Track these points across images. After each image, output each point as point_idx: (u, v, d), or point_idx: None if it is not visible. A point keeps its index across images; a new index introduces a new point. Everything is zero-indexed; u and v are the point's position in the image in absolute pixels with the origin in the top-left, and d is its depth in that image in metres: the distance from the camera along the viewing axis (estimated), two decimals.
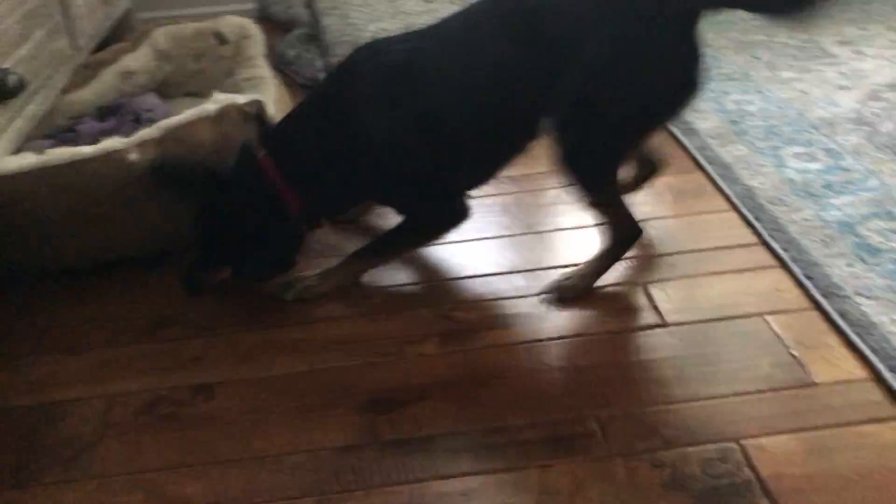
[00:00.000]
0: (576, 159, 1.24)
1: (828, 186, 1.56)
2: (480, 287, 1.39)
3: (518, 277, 1.40)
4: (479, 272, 1.42)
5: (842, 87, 1.94)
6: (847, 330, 1.20)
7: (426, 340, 1.26)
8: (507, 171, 1.42)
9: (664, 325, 1.26)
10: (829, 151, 1.68)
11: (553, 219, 1.56)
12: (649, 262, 1.41)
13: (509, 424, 1.10)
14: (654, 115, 1.25)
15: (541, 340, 1.25)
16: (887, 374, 1.12)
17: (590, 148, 1.24)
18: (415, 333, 1.28)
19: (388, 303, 1.36)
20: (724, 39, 2.30)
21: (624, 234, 1.33)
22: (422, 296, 1.38)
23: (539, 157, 1.39)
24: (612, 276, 1.37)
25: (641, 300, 1.32)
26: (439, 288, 1.39)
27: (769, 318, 1.26)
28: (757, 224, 1.47)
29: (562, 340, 1.25)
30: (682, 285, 1.35)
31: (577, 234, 1.50)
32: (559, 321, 1.29)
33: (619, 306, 1.32)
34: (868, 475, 0.99)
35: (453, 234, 1.38)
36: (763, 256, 1.40)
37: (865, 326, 1.19)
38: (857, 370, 1.15)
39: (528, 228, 1.54)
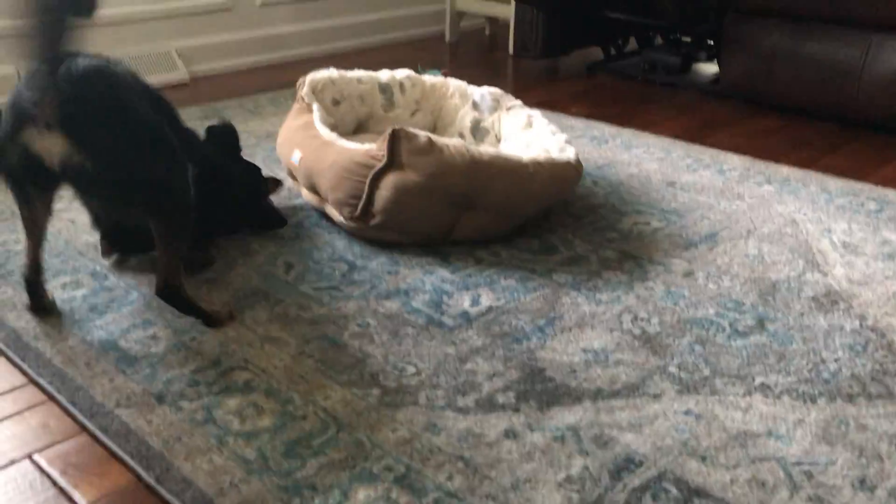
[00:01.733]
0: None
1: (93, 309, 1.64)
2: None
3: None
4: None
5: None
6: (109, 442, 1.28)
7: None
8: None
9: None
10: (93, 275, 1.77)
11: None
12: None
13: None
14: None
15: None
16: (147, 476, 1.21)
17: None
18: None
19: None
20: None
21: None
22: None
23: None
24: None
25: None
26: None
27: (36, 456, 1.27)
28: (23, 364, 1.47)
29: None
30: None
31: None
32: None
33: None
34: None
35: None
36: (33, 395, 1.41)
37: (124, 435, 1.28)
38: (122, 478, 1.23)
39: None
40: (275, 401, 1.37)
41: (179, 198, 1.50)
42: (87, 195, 1.52)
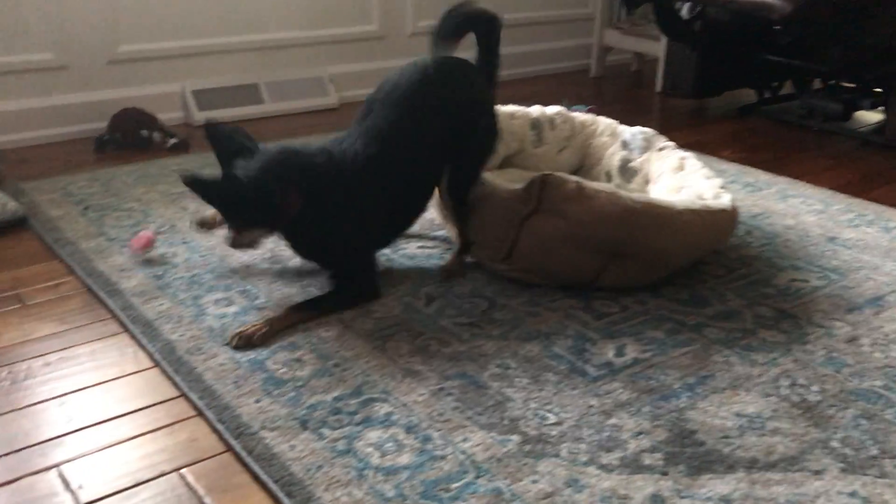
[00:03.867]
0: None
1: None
2: None
3: None
4: None
5: None
6: (253, 465, 1.30)
7: None
8: None
9: None
10: (245, 293, 1.83)
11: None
12: (64, 440, 1.36)
13: None
14: None
15: None
16: (286, 500, 1.22)
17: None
18: None
19: None
20: (153, 193, 2.39)
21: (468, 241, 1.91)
22: None
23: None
24: (26, 466, 1.29)
25: (56, 486, 1.27)
26: None
27: (185, 471, 1.30)
28: (176, 377, 1.52)
29: None
30: (100, 458, 1.33)
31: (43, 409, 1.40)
32: None
33: (27, 498, 1.25)
34: None
35: None
36: (183, 409, 1.45)
37: (268, 459, 1.30)
38: (263, 502, 1.24)
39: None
40: (414, 437, 1.36)
41: None
42: None
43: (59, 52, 2.84)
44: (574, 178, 1.79)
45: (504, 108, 2.35)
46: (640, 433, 1.38)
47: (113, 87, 2.97)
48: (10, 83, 2.78)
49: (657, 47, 3.82)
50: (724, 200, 1.92)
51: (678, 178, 2.12)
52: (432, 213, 2.26)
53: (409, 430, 1.38)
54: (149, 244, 1.97)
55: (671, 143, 2.26)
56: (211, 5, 3.11)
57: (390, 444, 1.34)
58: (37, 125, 2.85)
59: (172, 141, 2.81)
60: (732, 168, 2.76)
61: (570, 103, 3.16)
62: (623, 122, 2.39)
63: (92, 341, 1.65)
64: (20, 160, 2.68)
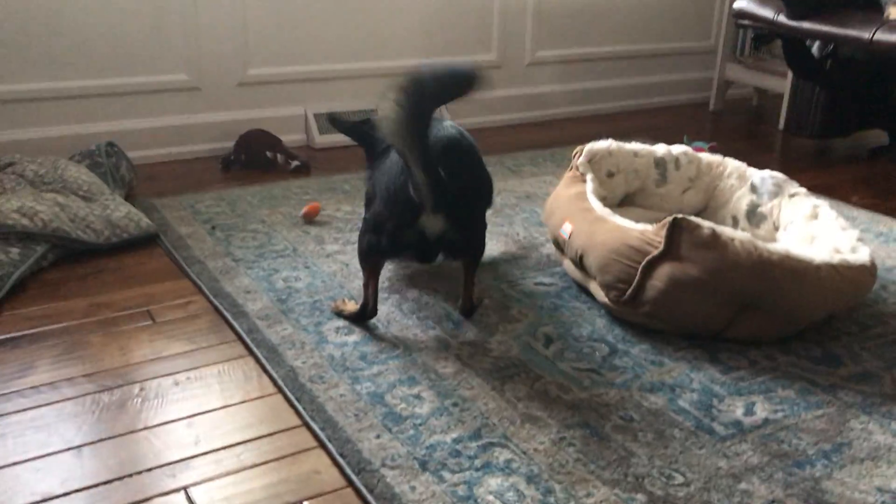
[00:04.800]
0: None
1: (363, 358, 1.70)
2: None
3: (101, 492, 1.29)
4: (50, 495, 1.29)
5: None
6: (373, 503, 1.30)
7: None
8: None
9: None
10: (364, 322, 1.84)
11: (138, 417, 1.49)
12: (191, 463, 1.40)
13: None
14: None
15: None
16: None
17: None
18: None
19: None
20: (277, 215, 2.46)
21: None
22: None
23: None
24: (156, 486, 1.33)
25: None
26: None
27: (307, 503, 1.31)
28: (299, 405, 1.54)
29: None
30: (225, 483, 1.36)
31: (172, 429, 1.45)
32: None
33: None
34: None
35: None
36: (305, 438, 1.47)
37: (388, 499, 1.30)
38: None
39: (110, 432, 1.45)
40: (535, 488, 1.33)
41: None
42: (443, 253, 1.83)
43: (193, 74, 2.96)
44: (708, 223, 1.74)
45: (628, 146, 2.31)
46: (773, 501, 1.31)
47: (241, 108, 3.07)
48: (148, 102, 2.91)
49: (781, 83, 3.70)
50: (863, 255, 1.83)
51: (811, 226, 2.03)
52: (549, 249, 2.24)
53: (531, 480, 1.35)
54: (316, 212, 2.41)
55: (803, 190, 2.17)
56: (335, 33, 3.18)
57: (511, 494, 1.32)
58: (168, 143, 2.97)
59: (295, 163, 2.88)
60: (863, 215, 2.63)
61: (691, 139, 3.09)
62: (744, 159, 2.32)
63: (219, 362, 1.70)
64: (151, 176, 2.79)
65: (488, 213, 2.02)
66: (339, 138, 3.10)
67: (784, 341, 1.80)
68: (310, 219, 2.39)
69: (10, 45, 2.66)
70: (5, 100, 2.70)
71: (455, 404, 1.55)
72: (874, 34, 2.67)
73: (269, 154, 2.90)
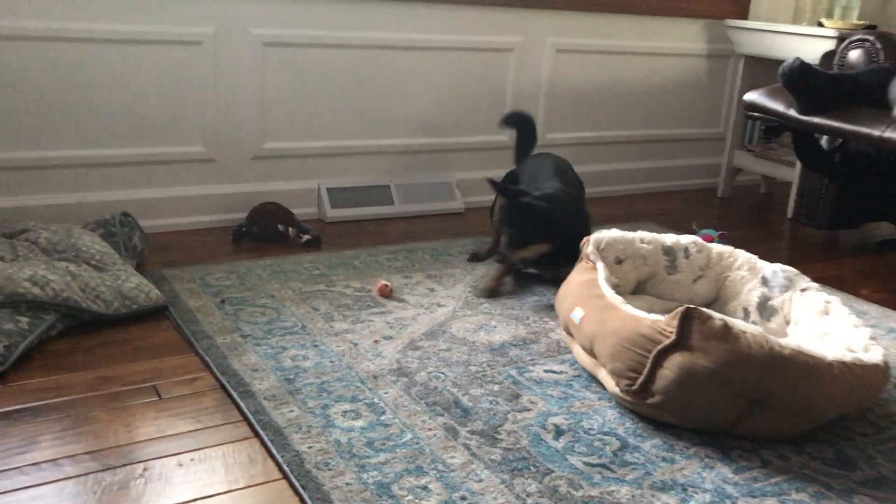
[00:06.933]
0: None
1: (370, 444, 1.68)
2: None
3: None
4: None
5: (386, 338, 2.16)
6: None
7: None
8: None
9: None
10: (371, 406, 1.82)
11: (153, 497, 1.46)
12: None
13: None
14: None
15: None
16: None
17: None
18: None
19: None
20: (287, 290, 2.46)
21: None
22: None
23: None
24: None
25: None
26: None
27: None
28: (304, 493, 1.52)
29: None
30: None
31: None
32: None
33: None
34: None
35: None
36: None
37: None
38: None
39: None
40: None
41: None
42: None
43: (209, 146, 3.00)
44: (719, 315, 1.74)
45: (633, 234, 2.32)
46: None
47: (254, 181, 3.11)
48: (163, 172, 2.95)
49: (790, 172, 3.74)
50: (876, 355, 1.82)
51: (822, 322, 2.02)
52: (559, 335, 2.24)
53: None
54: (388, 292, 2.47)
55: (814, 285, 2.17)
56: (349, 110, 3.24)
57: None
58: (181, 212, 2.99)
59: (306, 237, 2.89)
60: (873, 310, 2.63)
61: (699, 226, 3.11)
62: (752, 248, 2.33)
63: (224, 444, 1.67)
64: (162, 246, 2.80)
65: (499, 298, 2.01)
66: (351, 212, 3.13)
67: (797, 441, 1.77)
68: (385, 294, 2.46)
69: (34, 113, 2.70)
70: (24, 166, 2.73)
71: (463, 498, 1.52)
72: (885, 131, 2.70)
73: (280, 227, 2.92)
